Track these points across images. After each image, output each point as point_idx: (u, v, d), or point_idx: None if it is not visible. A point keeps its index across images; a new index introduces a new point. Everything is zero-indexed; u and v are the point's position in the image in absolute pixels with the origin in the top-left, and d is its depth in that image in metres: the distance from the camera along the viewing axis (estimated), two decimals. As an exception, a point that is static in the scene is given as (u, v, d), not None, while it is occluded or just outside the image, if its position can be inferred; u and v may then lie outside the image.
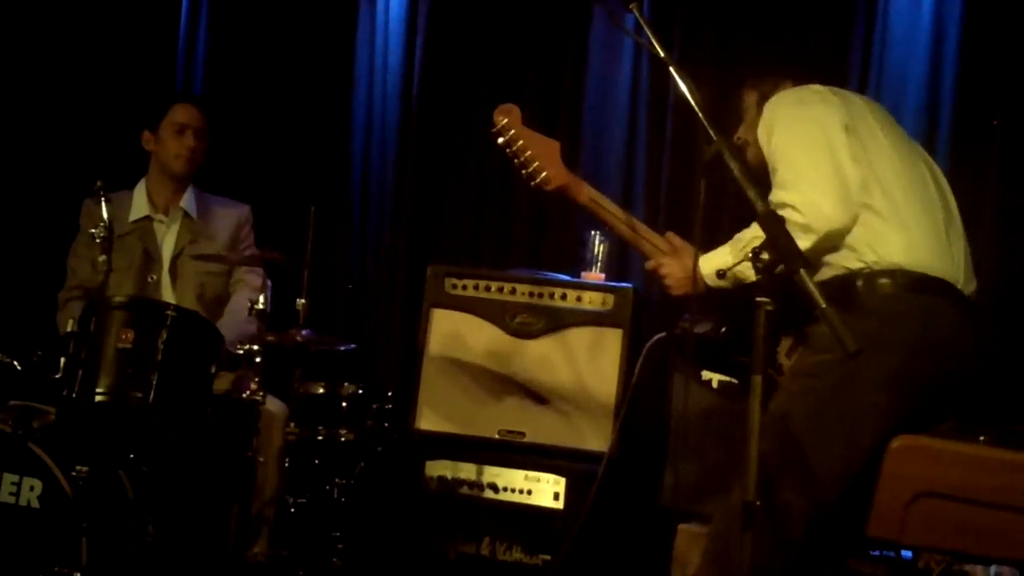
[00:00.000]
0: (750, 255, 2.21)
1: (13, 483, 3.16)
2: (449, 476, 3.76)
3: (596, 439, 3.71)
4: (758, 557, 2.18)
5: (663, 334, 3.37)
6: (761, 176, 2.73)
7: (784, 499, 2.54)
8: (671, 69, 2.37)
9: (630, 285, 3.84)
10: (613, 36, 4.58)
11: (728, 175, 2.26)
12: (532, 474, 3.72)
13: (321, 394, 3.81)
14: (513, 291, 3.89)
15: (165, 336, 3.24)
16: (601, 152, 4.60)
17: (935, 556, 2.77)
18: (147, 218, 4.08)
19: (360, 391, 3.84)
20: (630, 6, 2.47)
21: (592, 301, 3.84)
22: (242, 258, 4.07)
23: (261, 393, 3.48)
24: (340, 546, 3.72)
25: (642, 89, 4.55)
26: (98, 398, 3.20)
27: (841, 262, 2.70)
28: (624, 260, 4.31)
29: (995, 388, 3.65)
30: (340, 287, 4.87)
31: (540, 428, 3.79)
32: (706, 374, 3.53)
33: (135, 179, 4.14)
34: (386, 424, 3.86)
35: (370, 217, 4.92)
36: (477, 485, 3.74)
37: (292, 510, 3.72)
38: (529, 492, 3.71)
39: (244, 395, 3.48)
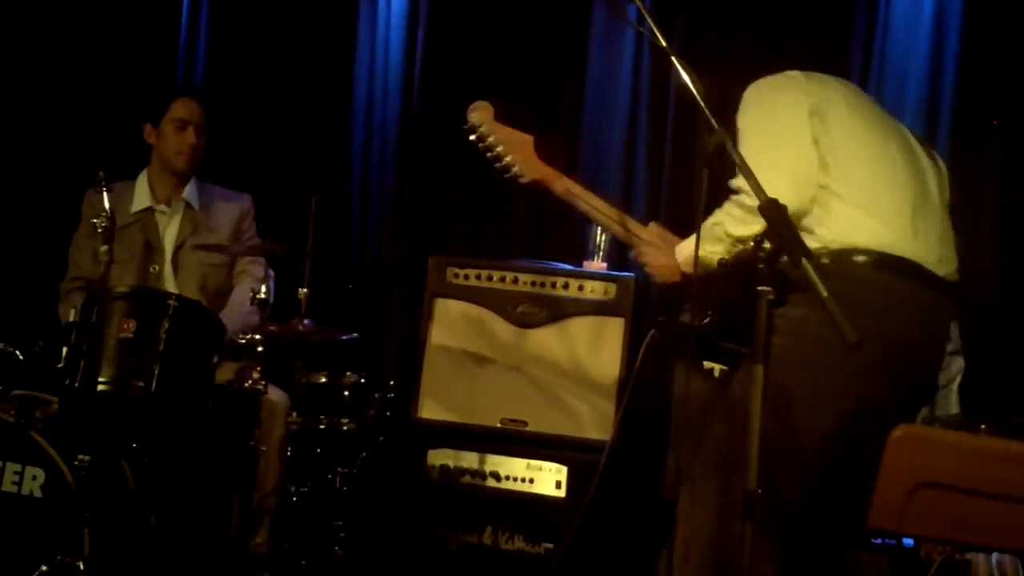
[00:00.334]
0: (752, 243, 2.21)
1: (16, 472, 3.17)
2: (451, 465, 3.76)
3: (598, 428, 3.72)
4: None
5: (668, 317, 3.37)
6: None
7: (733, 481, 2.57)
8: (673, 58, 2.37)
9: (632, 274, 3.84)
10: (614, 29, 4.58)
11: (730, 166, 2.27)
12: (534, 463, 3.72)
13: (323, 384, 3.82)
14: (515, 280, 3.89)
15: (167, 326, 3.24)
16: (602, 144, 4.59)
17: (936, 546, 2.78)
18: (149, 209, 4.08)
19: (362, 381, 3.85)
20: None
21: (594, 290, 3.84)
22: (244, 248, 4.08)
23: (263, 383, 3.48)
24: (342, 535, 3.73)
25: (643, 82, 4.54)
26: (100, 388, 3.20)
27: None
28: (626, 249, 4.30)
29: (996, 381, 3.68)
30: (341, 278, 4.87)
31: (542, 417, 3.79)
32: (707, 363, 3.53)
33: (136, 170, 4.14)
34: (388, 413, 3.87)
35: (371, 207, 4.92)
36: (479, 474, 3.74)
37: (294, 500, 3.73)
38: (531, 481, 3.71)
39: (246, 385, 3.48)
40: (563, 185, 3.04)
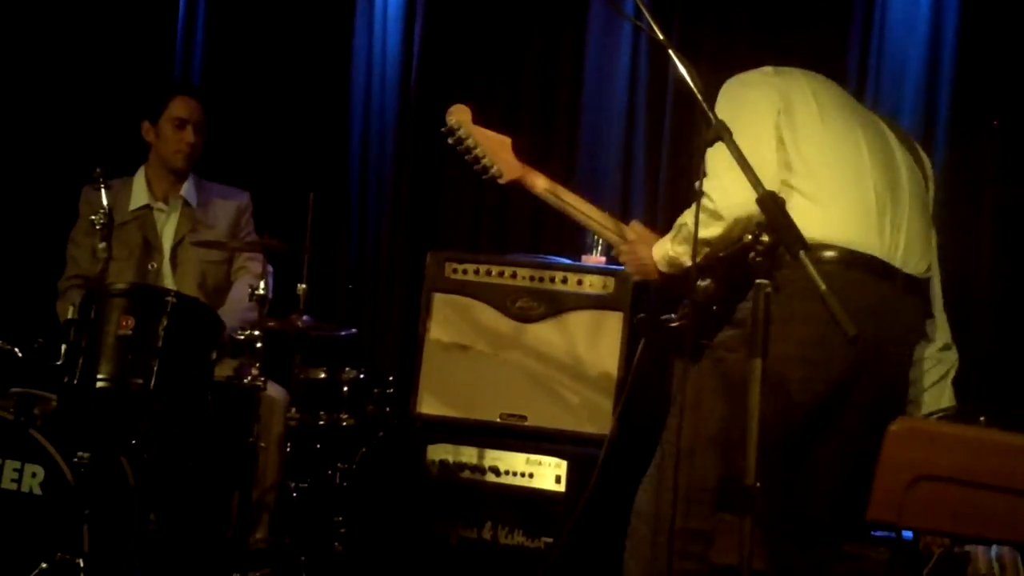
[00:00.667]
0: (749, 237, 2.21)
1: (15, 470, 3.18)
2: (450, 460, 3.76)
3: (597, 422, 3.72)
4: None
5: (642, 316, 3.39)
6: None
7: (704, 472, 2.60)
8: (670, 52, 2.36)
9: (631, 269, 3.84)
10: (612, 22, 4.57)
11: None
12: (533, 458, 3.72)
13: (322, 379, 3.82)
14: (514, 275, 3.89)
15: (166, 323, 3.25)
16: (600, 138, 4.59)
17: (935, 538, 2.78)
18: (147, 207, 4.08)
19: (361, 376, 3.85)
20: None
21: (593, 285, 3.84)
22: (242, 244, 4.08)
23: (262, 379, 3.48)
24: (342, 531, 3.73)
25: (641, 75, 4.54)
26: (99, 385, 3.20)
27: (762, 239, 2.70)
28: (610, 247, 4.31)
29: (994, 374, 3.69)
30: (340, 273, 4.87)
31: (541, 412, 3.79)
32: None
33: (134, 166, 4.13)
34: (387, 409, 3.87)
35: (369, 203, 4.92)
36: (478, 469, 3.74)
37: (294, 495, 3.73)
38: (531, 476, 3.72)
39: (245, 381, 3.48)
40: (542, 184, 3.07)
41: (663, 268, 2.83)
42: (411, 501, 3.76)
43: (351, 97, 4.93)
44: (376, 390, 3.87)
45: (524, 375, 3.82)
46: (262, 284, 3.53)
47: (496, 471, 3.73)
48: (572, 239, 4.19)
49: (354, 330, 3.92)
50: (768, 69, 2.89)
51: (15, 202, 4.65)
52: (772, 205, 2.20)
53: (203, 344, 3.37)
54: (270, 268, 3.80)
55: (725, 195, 2.62)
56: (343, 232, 4.90)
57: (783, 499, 2.65)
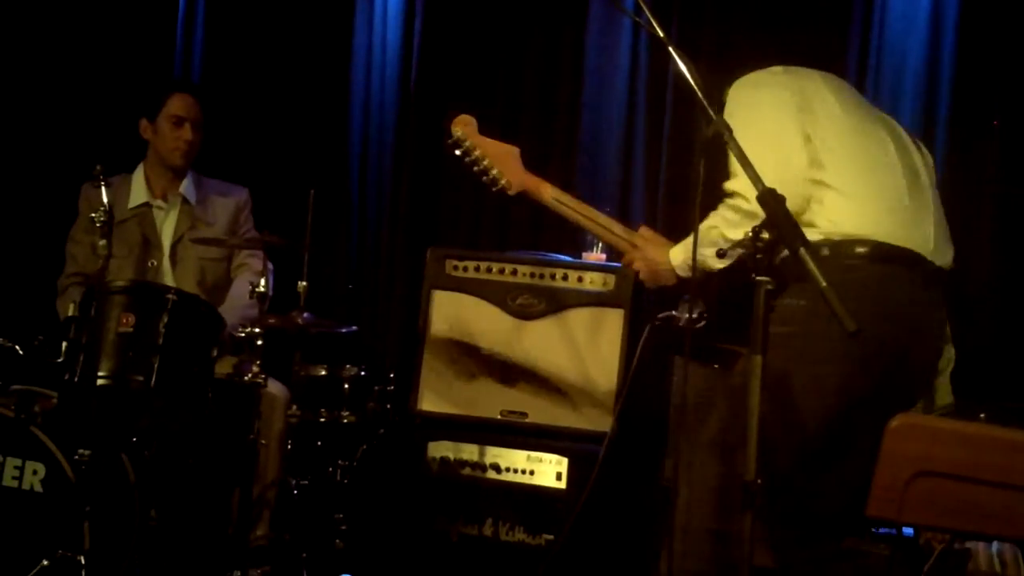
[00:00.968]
0: (750, 234, 2.21)
1: (16, 467, 3.17)
2: (451, 457, 3.76)
3: (598, 419, 3.71)
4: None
5: (664, 315, 3.37)
6: None
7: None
8: (670, 49, 2.37)
9: (631, 266, 3.84)
10: (611, 20, 4.57)
11: (722, 165, 2.27)
12: (534, 455, 3.72)
13: (322, 377, 3.82)
14: (514, 272, 3.88)
15: (166, 320, 3.25)
16: (600, 136, 4.58)
17: (936, 534, 2.78)
18: (146, 204, 4.08)
19: (361, 373, 3.86)
20: None
21: (593, 282, 3.84)
22: (242, 241, 4.08)
23: (262, 376, 3.48)
24: (342, 528, 3.73)
25: (641, 70, 4.53)
26: (100, 382, 3.20)
27: None
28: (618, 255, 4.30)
29: (992, 370, 3.69)
30: (340, 270, 4.87)
31: (542, 409, 3.79)
32: None
33: (134, 164, 4.13)
34: (388, 406, 3.87)
35: (369, 199, 4.92)
36: (479, 466, 3.74)
37: (294, 493, 3.73)
38: (531, 473, 3.72)
39: (245, 378, 3.48)
40: (551, 194, 3.06)
41: (683, 273, 2.80)
42: (412, 498, 3.76)
43: (351, 94, 4.93)
44: (377, 387, 3.87)
45: (524, 372, 3.82)
46: (262, 281, 3.53)
47: (497, 468, 3.73)
48: (572, 236, 4.18)
49: (354, 327, 3.92)
50: (777, 69, 2.88)
51: (15, 200, 4.65)
52: (772, 202, 2.20)
53: (204, 341, 3.37)
54: (270, 265, 3.80)
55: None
56: (343, 229, 4.90)
57: (809, 499, 2.65)
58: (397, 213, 4.85)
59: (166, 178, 4.11)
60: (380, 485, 3.82)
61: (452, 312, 3.91)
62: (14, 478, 3.17)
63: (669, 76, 4.41)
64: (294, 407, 3.70)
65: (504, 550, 3.70)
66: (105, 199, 3.35)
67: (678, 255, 2.82)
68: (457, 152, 3.06)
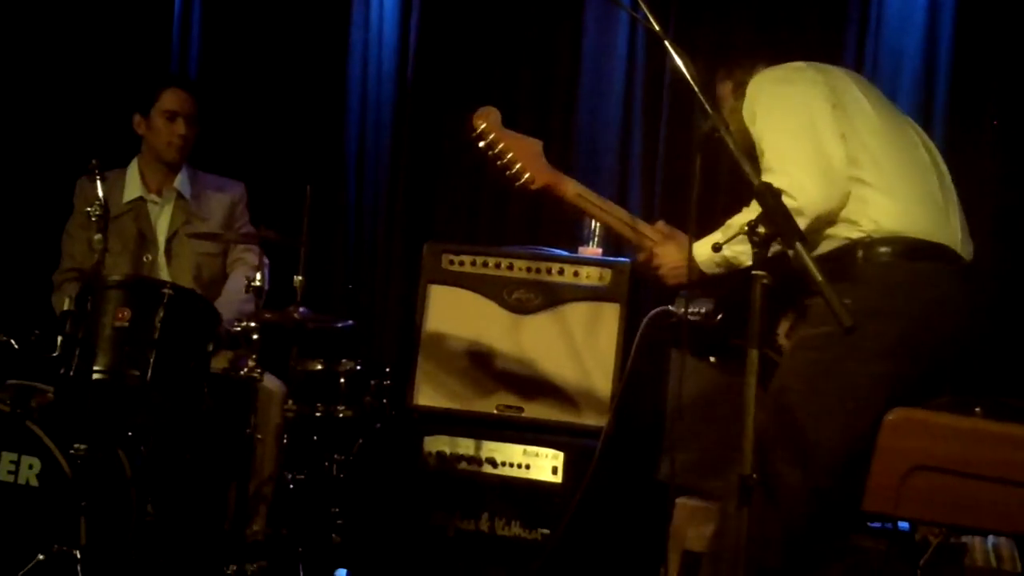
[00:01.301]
0: (746, 230, 2.20)
1: (12, 462, 3.18)
2: (448, 452, 3.77)
3: (594, 414, 3.72)
4: (757, 531, 2.18)
5: (661, 308, 3.36)
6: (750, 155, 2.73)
7: (777, 472, 2.54)
8: (667, 43, 2.36)
9: (627, 260, 3.83)
10: (609, 14, 4.56)
11: (724, 150, 2.26)
12: (531, 449, 3.72)
13: (319, 371, 3.81)
14: (510, 267, 3.88)
15: (162, 314, 3.24)
16: (597, 131, 4.58)
17: (932, 528, 2.78)
18: (140, 199, 4.07)
19: (358, 368, 3.84)
20: None
21: (590, 276, 3.84)
22: (238, 236, 4.07)
23: (259, 371, 3.48)
24: (339, 523, 3.73)
25: (638, 66, 4.53)
26: (96, 376, 3.19)
27: (842, 233, 2.71)
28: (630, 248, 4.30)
29: (992, 364, 3.70)
30: (337, 265, 4.87)
31: (538, 403, 3.80)
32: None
33: (129, 158, 4.12)
34: (384, 400, 3.86)
35: (366, 194, 4.91)
36: (476, 461, 3.75)
37: (291, 487, 3.72)
38: (528, 467, 3.72)
39: (242, 373, 3.48)
40: (574, 190, 3.03)
41: (709, 270, 2.79)
42: (408, 493, 3.76)
43: (348, 90, 4.91)
44: (373, 382, 3.86)
45: (521, 367, 3.82)
46: (258, 276, 3.53)
47: (493, 463, 3.73)
48: (569, 230, 4.18)
49: (351, 322, 3.91)
50: (801, 64, 2.87)
51: (10, 195, 4.64)
52: (770, 197, 2.20)
53: (200, 336, 3.36)
54: (266, 260, 3.79)
55: (803, 191, 2.60)
56: (340, 224, 4.89)
57: (830, 502, 2.65)
58: (394, 208, 4.84)
59: (161, 173, 4.10)
60: (377, 480, 3.82)
61: (448, 307, 3.90)
62: (10, 473, 3.18)
63: (666, 72, 4.40)
64: (290, 402, 3.69)
65: (500, 544, 3.70)
66: (100, 193, 3.35)
67: (701, 252, 2.78)
68: (480, 145, 3.01)
